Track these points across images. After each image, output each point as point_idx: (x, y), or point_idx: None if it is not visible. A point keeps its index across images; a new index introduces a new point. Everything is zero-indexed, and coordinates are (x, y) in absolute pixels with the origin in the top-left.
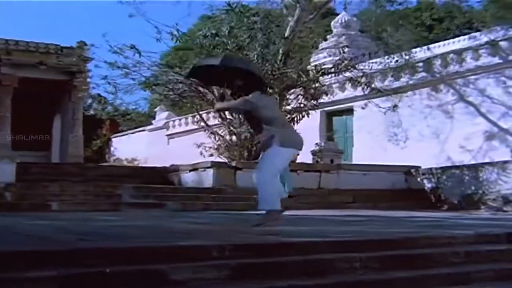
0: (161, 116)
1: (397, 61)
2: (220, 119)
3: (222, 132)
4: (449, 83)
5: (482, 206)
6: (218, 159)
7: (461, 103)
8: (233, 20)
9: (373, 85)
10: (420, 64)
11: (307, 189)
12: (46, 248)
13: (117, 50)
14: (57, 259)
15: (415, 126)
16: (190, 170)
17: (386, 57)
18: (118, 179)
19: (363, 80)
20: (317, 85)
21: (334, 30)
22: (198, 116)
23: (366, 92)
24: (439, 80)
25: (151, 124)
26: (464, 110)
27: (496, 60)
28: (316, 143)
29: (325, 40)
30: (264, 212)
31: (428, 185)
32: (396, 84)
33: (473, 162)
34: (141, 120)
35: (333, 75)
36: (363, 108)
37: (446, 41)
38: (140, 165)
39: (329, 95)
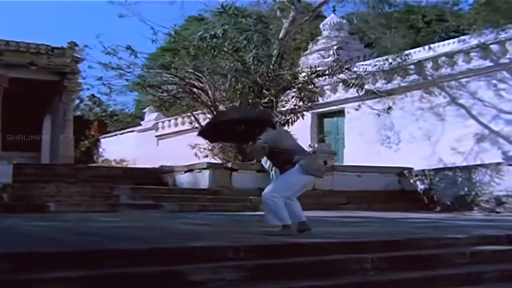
0: (150, 117)
1: (391, 63)
2: None
3: None
4: (441, 86)
5: (475, 208)
6: (213, 160)
7: (452, 106)
8: (226, 22)
9: (366, 87)
10: (412, 66)
11: None
12: (67, 249)
13: (111, 51)
14: (78, 261)
15: (406, 128)
16: (185, 171)
17: (379, 59)
18: (112, 180)
19: (357, 82)
20: (311, 86)
21: (324, 33)
22: (192, 117)
23: (361, 94)
24: (431, 83)
25: (140, 125)
26: (455, 112)
27: (487, 63)
28: (310, 145)
29: (315, 42)
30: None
31: (421, 186)
32: (388, 86)
33: (464, 164)
34: (128, 121)
35: (326, 77)
36: (356, 109)
37: (436, 44)
38: (128, 166)
39: (322, 97)
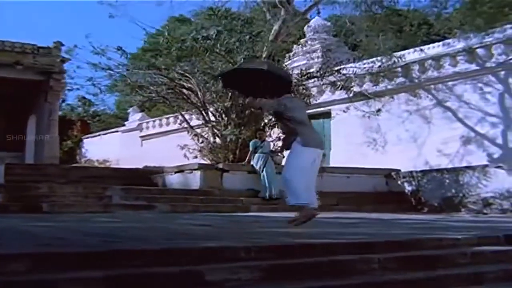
0: (135, 117)
1: (379, 66)
2: (203, 121)
3: (205, 134)
4: (427, 89)
5: (462, 209)
6: (202, 161)
7: (439, 108)
8: (216, 24)
9: (354, 89)
10: (399, 69)
11: None
12: (88, 249)
13: (100, 51)
14: (97, 260)
15: (392, 130)
16: (176, 172)
17: (367, 61)
18: (102, 180)
19: (346, 84)
20: (302, 88)
21: (308, 35)
22: (180, 117)
23: (351, 95)
24: (418, 85)
25: (123, 125)
26: (442, 115)
27: (473, 67)
28: None
29: (299, 44)
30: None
31: (408, 188)
32: (376, 88)
33: (450, 166)
34: (110, 122)
35: (314, 78)
36: (344, 111)
37: (422, 47)
38: (111, 166)
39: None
